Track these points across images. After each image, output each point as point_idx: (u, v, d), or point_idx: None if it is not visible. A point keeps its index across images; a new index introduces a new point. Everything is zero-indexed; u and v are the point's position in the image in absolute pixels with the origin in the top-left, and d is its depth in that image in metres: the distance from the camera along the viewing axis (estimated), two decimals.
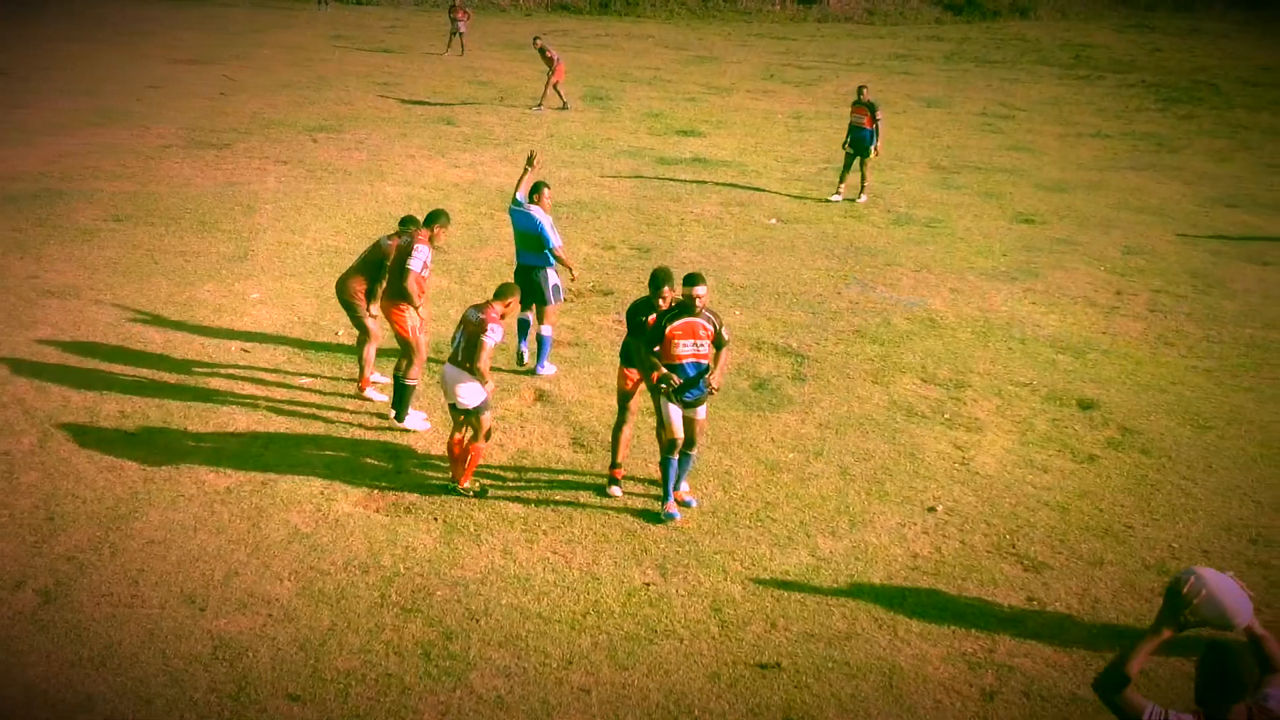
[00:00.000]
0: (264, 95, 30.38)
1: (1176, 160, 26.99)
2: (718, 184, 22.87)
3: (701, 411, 10.35)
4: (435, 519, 10.15)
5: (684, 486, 10.65)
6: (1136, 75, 40.12)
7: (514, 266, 13.32)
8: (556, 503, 10.48)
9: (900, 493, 10.89)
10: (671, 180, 22.98)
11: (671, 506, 10.28)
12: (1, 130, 24.42)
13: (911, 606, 9.11)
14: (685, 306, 10.05)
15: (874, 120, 21.20)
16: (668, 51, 43.17)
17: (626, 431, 10.75)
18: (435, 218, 11.94)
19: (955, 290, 16.67)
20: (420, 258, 11.65)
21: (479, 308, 10.42)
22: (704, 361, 10.13)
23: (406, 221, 12.33)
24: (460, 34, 38.77)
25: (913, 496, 10.82)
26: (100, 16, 45.04)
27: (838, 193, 21.81)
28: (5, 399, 12.00)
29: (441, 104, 30.38)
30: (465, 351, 10.28)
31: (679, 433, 10.11)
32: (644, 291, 11.76)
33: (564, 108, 30.22)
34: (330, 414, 12.11)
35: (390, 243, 12.05)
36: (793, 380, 13.34)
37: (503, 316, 10.42)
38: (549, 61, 30.04)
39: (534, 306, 13.15)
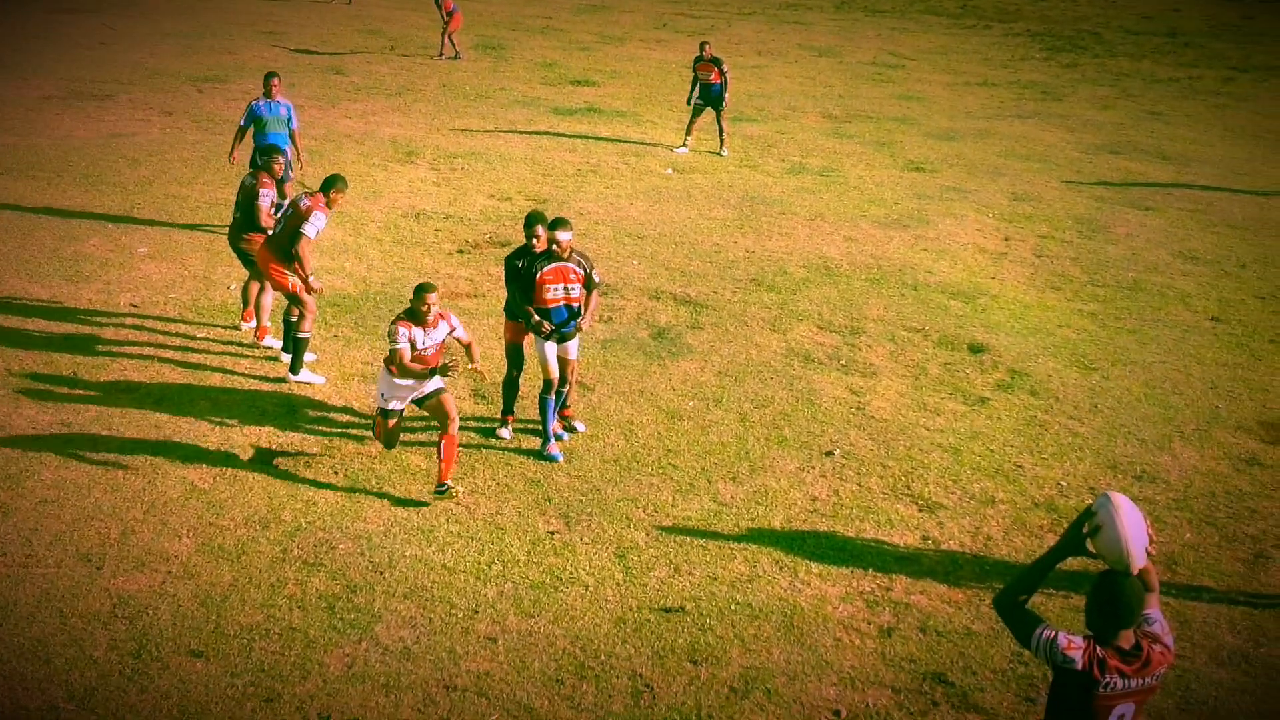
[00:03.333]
0: (146, 44, 29.55)
1: (1061, 108, 27.53)
2: (613, 135, 22.82)
3: (574, 351, 10.74)
4: (336, 473, 10.09)
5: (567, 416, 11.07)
6: (1022, 24, 40.76)
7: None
8: (458, 454, 10.46)
9: (798, 438, 11.06)
10: (567, 132, 22.88)
11: (553, 448, 10.57)
12: None
13: (811, 548, 9.30)
14: (553, 252, 10.33)
15: (722, 74, 21.28)
16: (560, 0, 42.80)
17: (516, 381, 10.99)
18: (332, 183, 11.70)
19: (849, 239, 16.89)
20: (316, 225, 11.46)
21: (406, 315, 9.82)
22: (576, 304, 10.52)
23: (267, 152, 12.61)
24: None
25: (810, 441, 11.01)
26: None
27: (684, 145, 21.85)
28: None
29: (330, 53, 29.83)
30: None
31: (554, 372, 10.53)
32: None
33: (456, 57, 29.85)
34: (225, 369, 11.94)
35: (252, 183, 12.33)
36: (691, 329, 13.44)
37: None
38: (445, 12, 29.60)
39: None
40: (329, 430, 10.82)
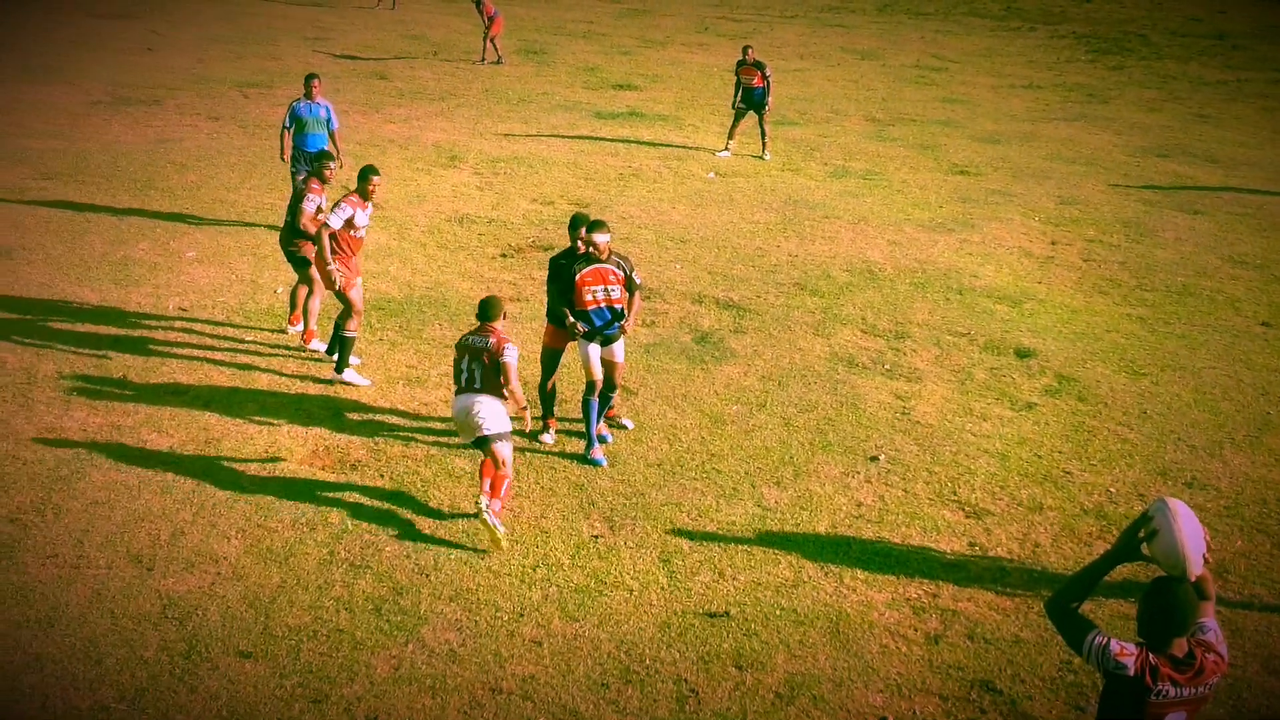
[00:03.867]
0: (193, 50, 29.83)
1: (1107, 111, 27.31)
2: (655, 139, 22.83)
3: (619, 354, 10.75)
4: (382, 476, 10.14)
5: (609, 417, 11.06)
6: (1067, 27, 40.47)
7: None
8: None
9: (843, 443, 11.02)
10: (609, 136, 22.91)
11: (596, 452, 10.55)
12: None
13: (856, 554, 9.25)
14: (591, 255, 10.42)
15: (764, 78, 21.27)
16: (601, 4, 42.88)
17: (551, 385, 11.03)
18: (362, 175, 11.88)
19: (893, 242, 16.82)
20: (341, 214, 11.63)
21: (480, 333, 9.46)
22: (618, 306, 10.55)
23: (320, 158, 12.58)
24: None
25: (855, 446, 10.96)
26: None
27: (726, 149, 21.82)
28: None
29: (374, 58, 30.01)
30: (484, 380, 9.34)
31: (597, 374, 10.51)
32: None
33: (498, 62, 29.96)
34: (272, 372, 12.03)
35: (302, 188, 12.36)
36: (734, 333, 13.42)
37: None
38: (486, 16, 29.70)
39: None
40: (375, 433, 10.87)
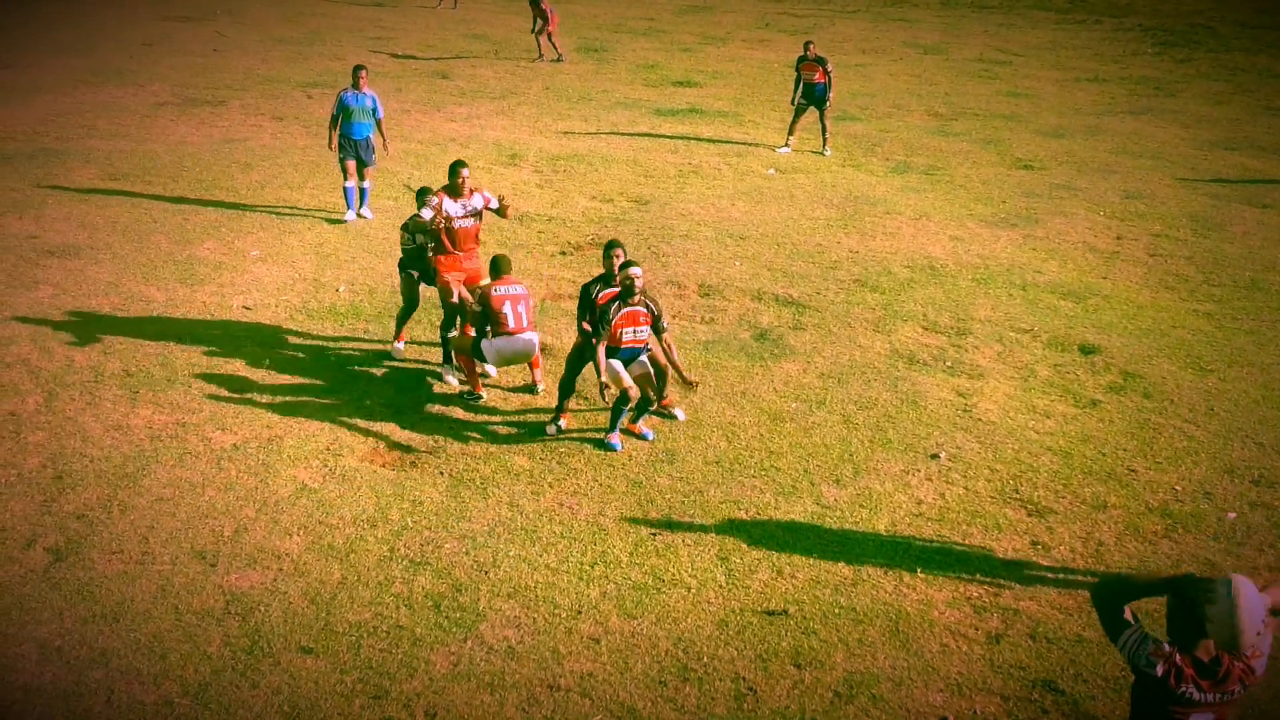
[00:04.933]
0: (257, 51, 30.19)
1: (1174, 104, 26.89)
2: (715, 136, 22.79)
3: (648, 364, 10.71)
4: (441, 473, 10.20)
5: (641, 424, 11.02)
6: (1133, 19, 39.90)
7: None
8: (561, 455, 10.53)
9: (903, 440, 10.93)
10: (668, 133, 22.90)
11: (614, 437, 10.65)
12: None
13: (916, 552, 9.18)
14: (627, 290, 10.40)
15: (826, 74, 21.11)
16: (662, 1, 42.86)
17: (571, 383, 11.13)
18: (451, 170, 12.09)
19: (955, 238, 16.66)
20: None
21: (508, 283, 11.27)
22: (644, 345, 10.62)
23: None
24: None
25: (916, 444, 10.87)
26: None
27: (786, 144, 21.71)
28: (9, 359, 12.02)
29: (435, 58, 30.20)
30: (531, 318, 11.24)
31: (629, 383, 10.43)
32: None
33: (558, 59, 30.04)
34: (333, 370, 12.14)
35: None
36: (794, 330, 13.36)
37: None
38: (542, 13, 29.80)
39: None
40: (434, 431, 10.93)
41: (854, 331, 13.34)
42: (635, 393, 10.44)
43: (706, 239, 16.31)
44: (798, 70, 21.44)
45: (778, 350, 12.82)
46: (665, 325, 10.73)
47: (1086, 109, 26.21)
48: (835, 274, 15.10)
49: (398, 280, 12.92)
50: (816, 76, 21.13)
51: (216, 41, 31.33)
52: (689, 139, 22.35)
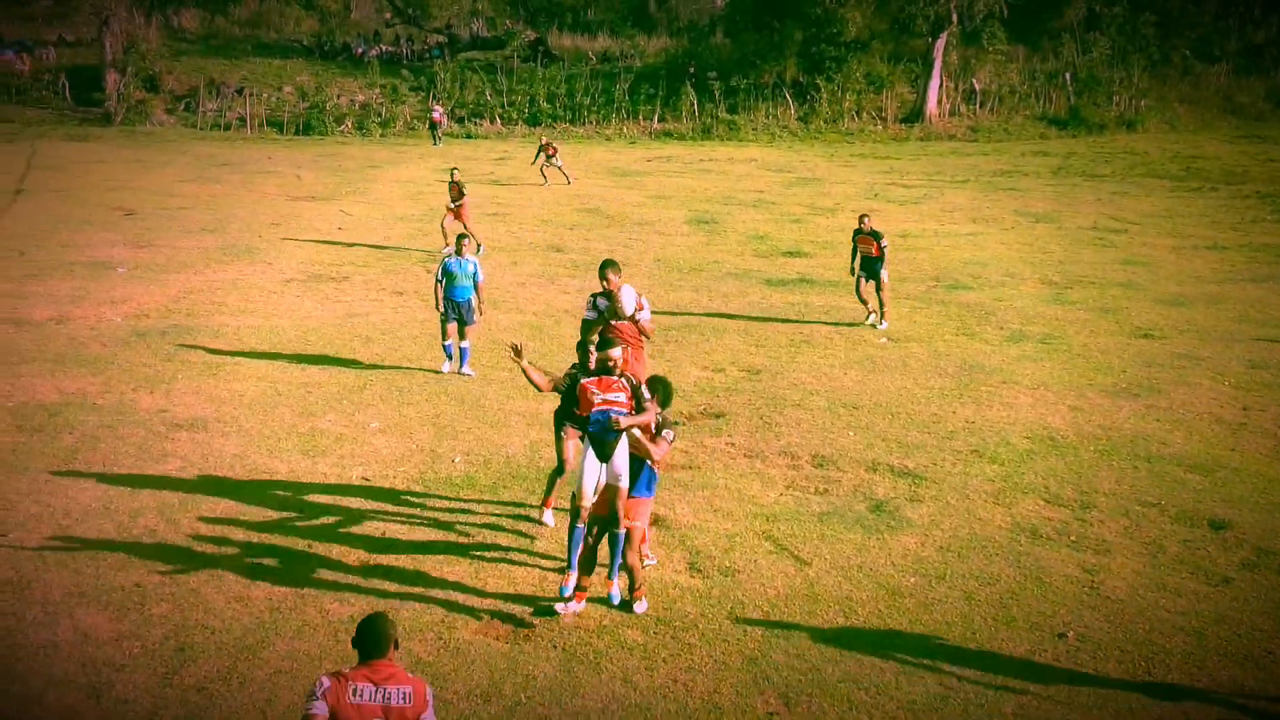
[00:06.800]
0: (380, 229, 31.25)
1: None
2: (826, 304, 22.90)
3: (623, 479, 10.30)
4: (554, 646, 10.12)
5: (615, 580, 10.71)
6: (1250, 186, 39.55)
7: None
8: (675, 630, 10.39)
9: (1028, 618, 10.62)
10: (779, 302, 23.07)
11: (568, 579, 10.46)
12: (131, 270, 25.39)
13: None
14: (606, 368, 10.49)
15: (880, 248, 20.96)
16: (771, 174, 43.63)
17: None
18: (602, 268, 13.02)
19: (1075, 408, 16.40)
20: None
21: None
22: (611, 409, 10.33)
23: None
24: (558, 165, 39.89)
25: (1041, 622, 10.55)
26: (224, 158, 46.85)
27: (872, 315, 21.41)
28: (137, 531, 12.30)
29: (550, 231, 30.96)
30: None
31: (588, 497, 10.24)
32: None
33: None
34: (449, 542, 12.21)
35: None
36: (911, 501, 13.16)
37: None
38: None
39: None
40: (547, 603, 10.88)
41: (973, 504, 13.10)
42: (585, 504, 10.27)
43: (819, 408, 16.25)
44: (854, 243, 21.36)
45: (894, 522, 12.62)
46: (646, 406, 10.28)
47: (1206, 276, 25.88)
48: (952, 444, 14.91)
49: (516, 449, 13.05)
50: (873, 251, 20.99)
51: (341, 220, 32.51)
52: (800, 308, 22.47)
